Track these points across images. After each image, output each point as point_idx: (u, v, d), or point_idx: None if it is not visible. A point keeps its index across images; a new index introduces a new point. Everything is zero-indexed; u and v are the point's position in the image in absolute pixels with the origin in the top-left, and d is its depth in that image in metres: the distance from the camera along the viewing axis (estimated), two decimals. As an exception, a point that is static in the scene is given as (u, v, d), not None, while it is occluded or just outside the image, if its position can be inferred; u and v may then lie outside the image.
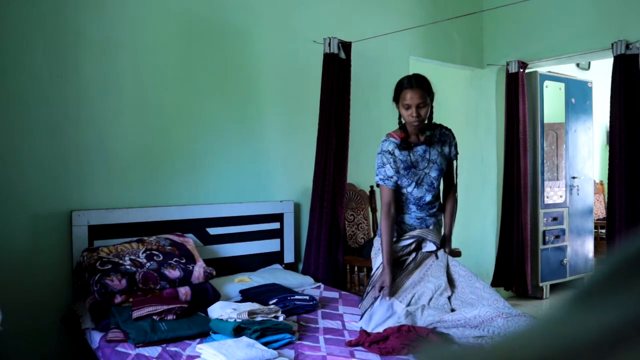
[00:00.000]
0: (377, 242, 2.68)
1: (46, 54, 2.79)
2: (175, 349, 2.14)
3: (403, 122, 2.50)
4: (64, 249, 2.82)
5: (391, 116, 4.19)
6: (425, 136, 2.51)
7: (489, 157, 4.96)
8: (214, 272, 2.80)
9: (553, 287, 4.87)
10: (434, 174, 2.52)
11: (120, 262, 2.58)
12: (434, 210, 2.59)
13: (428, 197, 2.53)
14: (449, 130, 2.60)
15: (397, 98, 2.44)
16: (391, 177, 2.48)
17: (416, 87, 2.36)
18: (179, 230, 3.08)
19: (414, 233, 2.56)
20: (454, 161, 2.63)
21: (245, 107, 3.50)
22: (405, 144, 2.47)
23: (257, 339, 2.11)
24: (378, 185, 2.57)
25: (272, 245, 3.55)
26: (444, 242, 2.64)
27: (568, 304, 0.29)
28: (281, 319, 2.35)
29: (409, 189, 2.52)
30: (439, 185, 2.60)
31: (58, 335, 2.80)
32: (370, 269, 3.32)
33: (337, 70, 3.48)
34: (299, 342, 2.23)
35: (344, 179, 3.54)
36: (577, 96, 5.02)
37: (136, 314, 2.29)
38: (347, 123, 3.55)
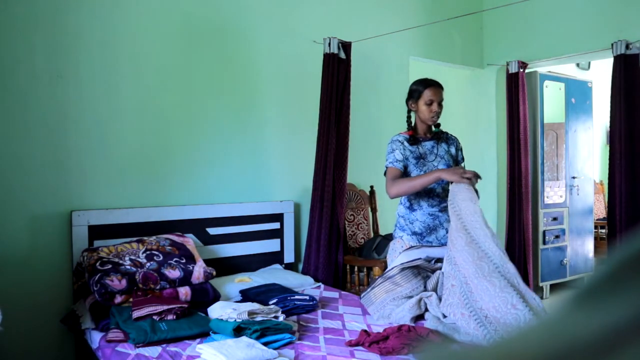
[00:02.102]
0: (392, 243, 2.74)
1: (46, 54, 2.79)
2: (175, 349, 2.13)
3: (412, 122, 2.71)
4: (64, 249, 2.82)
5: (391, 116, 4.21)
6: (434, 133, 2.71)
7: (488, 157, 4.96)
8: (214, 272, 2.80)
9: (553, 287, 4.87)
10: (441, 167, 2.64)
11: (120, 262, 2.58)
12: (445, 204, 2.67)
13: (438, 189, 2.65)
14: (455, 137, 2.81)
15: (416, 96, 2.63)
16: (400, 161, 2.60)
17: (437, 86, 2.61)
18: (179, 230, 3.08)
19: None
20: (462, 163, 2.77)
21: (245, 107, 3.50)
22: (413, 140, 2.65)
23: (257, 339, 2.11)
24: (385, 173, 2.62)
25: (272, 245, 3.55)
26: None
27: (568, 304, 0.29)
28: (281, 319, 2.35)
29: None
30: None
31: (58, 335, 2.80)
32: (370, 268, 3.33)
33: (337, 70, 3.48)
34: (299, 342, 2.23)
35: (344, 179, 3.54)
36: (577, 96, 5.02)
37: (136, 314, 2.29)
38: (347, 123, 3.55)
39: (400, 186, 2.50)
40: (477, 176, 2.37)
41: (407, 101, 2.70)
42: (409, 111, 2.72)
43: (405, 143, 2.63)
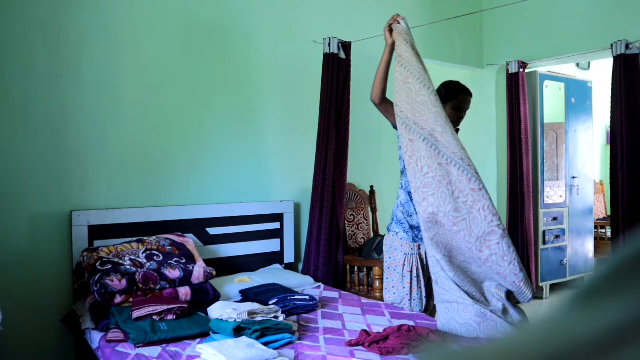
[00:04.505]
0: (387, 239, 2.71)
1: (46, 54, 2.79)
2: (175, 349, 2.13)
3: None
4: (64, 249, 2.82)
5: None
6: None
7: (489, 158, 4.96)
8: (214, 272, 2.80)
9: (553, 287, 4.87)
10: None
11: (120, 262, 2.58)
12: None
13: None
14: None
15: (450, 98, 2.67)
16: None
17: (470, 95, 2.72)
18: (179, 230, 3.08)
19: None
20: None
21: (245, 107, 3.50)
22: None
23: (257, 339, 2.11)
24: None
25: (272, 245, 3.55)
26: None
27: (568, 304, 0.29)
28: (281, 319, 2.35)
29: None
30: None
31: (58, 335, 2.81)
32: (370, 268, 3.33)
33: (337, 70, 3.48)
34: (299, 342, 2.23)
35: (344, 179, 3.54)
36: (577, 96, 5.02)
37: (136, 314, 2.29)
38: (347, 123, 3.55)
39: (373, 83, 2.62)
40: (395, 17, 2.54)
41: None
42: None
43: None
